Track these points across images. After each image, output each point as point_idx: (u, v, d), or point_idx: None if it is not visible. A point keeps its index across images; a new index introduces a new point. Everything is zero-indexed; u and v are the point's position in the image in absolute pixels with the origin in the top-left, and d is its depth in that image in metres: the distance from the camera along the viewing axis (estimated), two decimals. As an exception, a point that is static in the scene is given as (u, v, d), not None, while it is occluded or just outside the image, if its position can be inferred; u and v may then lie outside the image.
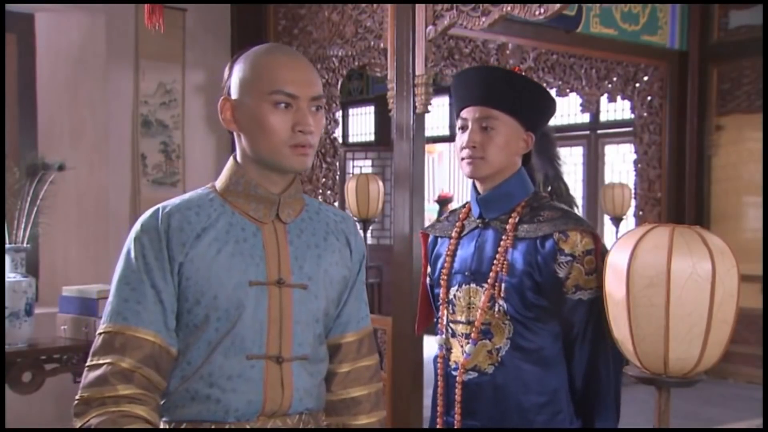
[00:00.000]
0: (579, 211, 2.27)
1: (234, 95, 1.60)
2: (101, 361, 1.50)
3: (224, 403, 1.55)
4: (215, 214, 1.59)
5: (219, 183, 1.65)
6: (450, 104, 7.94)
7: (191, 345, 1.56)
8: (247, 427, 1.57)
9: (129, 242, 1.57)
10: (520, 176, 2.15)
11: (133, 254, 1.55)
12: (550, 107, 2.16)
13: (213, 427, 1.55)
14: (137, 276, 1.54)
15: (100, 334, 1.54)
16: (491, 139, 2.08)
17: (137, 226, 1.58)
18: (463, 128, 2.12)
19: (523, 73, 2.24)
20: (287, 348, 1.60)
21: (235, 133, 1.63)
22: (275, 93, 1.56)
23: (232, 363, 1.55)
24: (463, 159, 2.12)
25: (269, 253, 1.60)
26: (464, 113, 2.13)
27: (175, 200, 1.62)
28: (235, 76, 1.60)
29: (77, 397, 1.50)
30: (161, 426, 1.58)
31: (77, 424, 1.49)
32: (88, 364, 1.53)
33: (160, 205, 1.60)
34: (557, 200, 2.23)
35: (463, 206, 2.28)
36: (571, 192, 2.32)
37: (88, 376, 1.51)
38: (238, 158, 1.64)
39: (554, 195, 2.24)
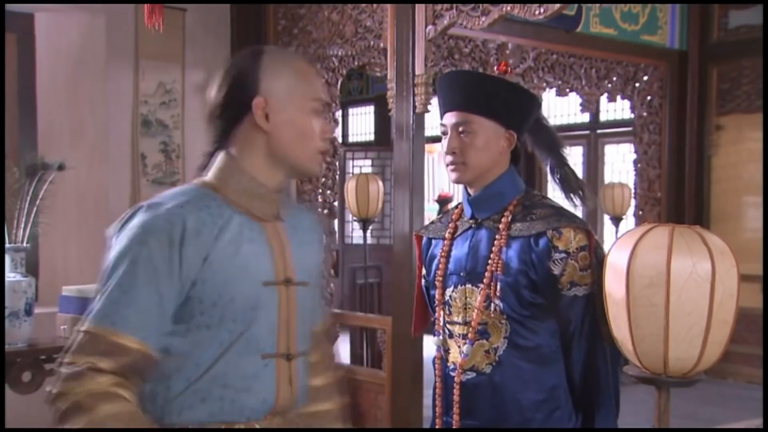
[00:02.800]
0: (590, 194, 2.27)
1: (274, 97, 1.61)
2: (80, 361, 1.46)
3: (239, 403, 1.56)
4: (226, 214, 1.58)
5: (215, 180, 1.62)
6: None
7: (200, 346, 1.54)
8: (257, 426, 1.58)
9: (129, 244, 1.52)
10: (510, 175, 2.16)
11: (137, 258, 1.50)
12: (527, 103, 2.16)
13: (223, 427, 1.55)
14: (139, 280, 1.49)
15: (85, 332, 1.49)
16: (470, 143, 2.09)
17: (139, 228, 1.53)
18: (445, 134, 2.15)
19: (509, 70, 2.23)
20: (294, 345, 1.63)
21: (248, 131, 1.62)
22: (317, 100, 1.63)
23: (246, 363, 1.56)
24: (447, 165, 2.14)
25: (276, 253, 1.62)
26: (444, 119, 2.16)
27: (171, 200, 1.57)
28: (273, 79, 1.61)
29: (54, 391, 1.46)
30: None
31: (62, 412, 1.45)
32: (67, 361, 1.48)
33: (157, 204, 1.55)
34: (567, 188, 2.22)
35: (456, 207, 2.29)
36: (580, 176, 2.30)
37: (64, 374, 1.47)
38: (239, 155, 1.63)
39: (563, 183, 2.23)
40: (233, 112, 1.62)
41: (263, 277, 1.59)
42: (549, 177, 2.29)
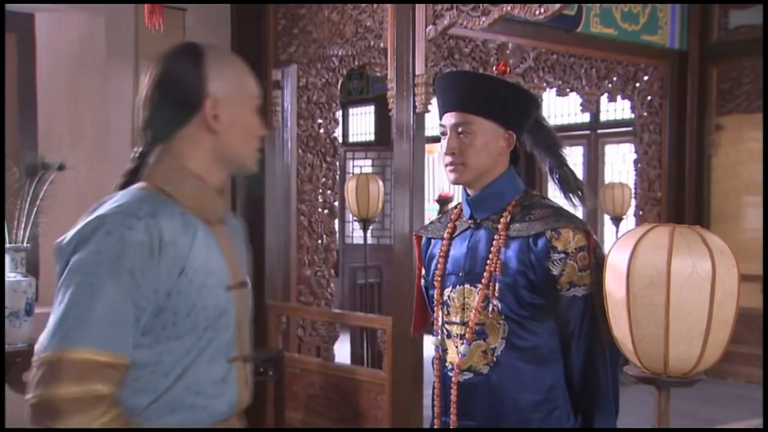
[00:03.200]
0: (589, 194, 2.27)
1: (222, 96, 1.59)
2: (81, 390, 1.40)
3: (210, 409, 1.56)
4: (192, 223, 1.56)
5: (166, 185, 1.58)
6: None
7: (169, 356, 1.51)
8: (221, 427, 1.60)
9: (108, 256, 1.45)
10: (509, 175, 2.16)
11: (118, 271, 1.44)
12: (527, 104, 2.16)
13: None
14: (120, 295, 1.44)
15: (75, 355, 1.41)
16: (469, 144, 2.09)
17: (117, 240, 1.45)
18: (444, 134, 2.15)
19: (509, 70, 2.23)
20: (248, 346, 1.66)
21: (194, 131, 1.59)
22: (256, 98, 1.64)
23: (216, 368, 1.57)
24: (446, 166, 2.14)
25: (228, 256, 1.63)
26: (443, 120, 2.15)
27: (138, 208, 1.51)
28: (221, 79, 1.59)
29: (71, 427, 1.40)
30: None
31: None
32: (66, 392, 1.40)
33: (127, 213, 1.49)
34: (565, 188, 2.22)
35: (455, 207, 2.29)
36: (578, 176, 2.29)
37: (68, 405, 1.40)
38: (184, 157, 1.60)
39: (562, 183, 2.23)
40: (179, 113, 1.59)
41: (225, 283, 1.59)
42: (548, 177, 2.29)
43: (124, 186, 1.61)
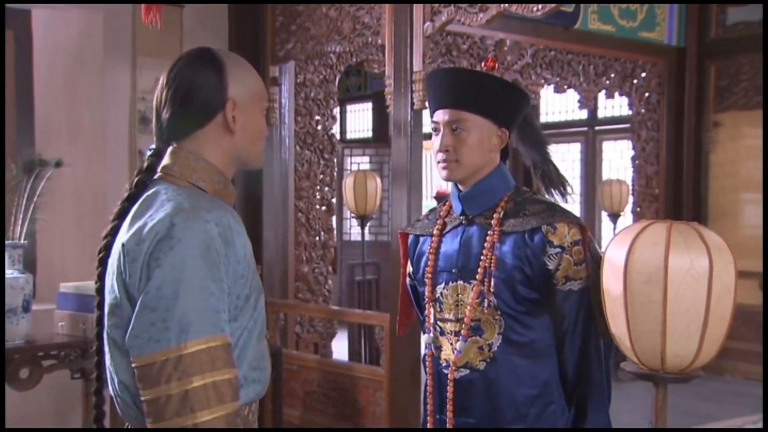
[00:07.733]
0: (571, 189, 2.28)
1: (240, 100, 1.69)
2: (226, 376, 1.52)
3: (264, 381, 1.68)
4: (234, 213, 1.66)
5: (200, 183, 1.67)
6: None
7: (231, 336, 1.60)
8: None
9: (198, 248, 1.53)
10: (500, 172, 2.17)
11: (206, 261, 1.53)
12: (520, 102, 2.17)
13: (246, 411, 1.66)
14: (219, 285, 1.54)
15: (207, 346, 1.51)
16: (463, 141, 2.10)
17: (198, 232, 1.54)
18: (436, 131, 2.15)
19: (497, 66, 2.24)
20: None
21: (214, 132, 1.68)
22: (266, 102, 1.77)
23: (262, 345, 1.69)
24: (438, 162, 2.14)
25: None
26: (436, 116, 2.15)
27: (200, 205, 1.60)
28: (241, 84, 1.70)
29: (230, 410, 1.52)
30: None
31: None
32: (214, 379, 1.50)
33: (196, 209, 1.58)
34: (548, 183, 2.24)
35: (444, 204, 2.29)
36: (562, 172, 2.30)
37: (221, 392, 1.50)
38: (205, 155, 1.69)
39: (545, 179, 2.24)
40: (202, 114, 1.67)
41: (254, 267, 1.70)
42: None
43: (143, 181, 1.75)
